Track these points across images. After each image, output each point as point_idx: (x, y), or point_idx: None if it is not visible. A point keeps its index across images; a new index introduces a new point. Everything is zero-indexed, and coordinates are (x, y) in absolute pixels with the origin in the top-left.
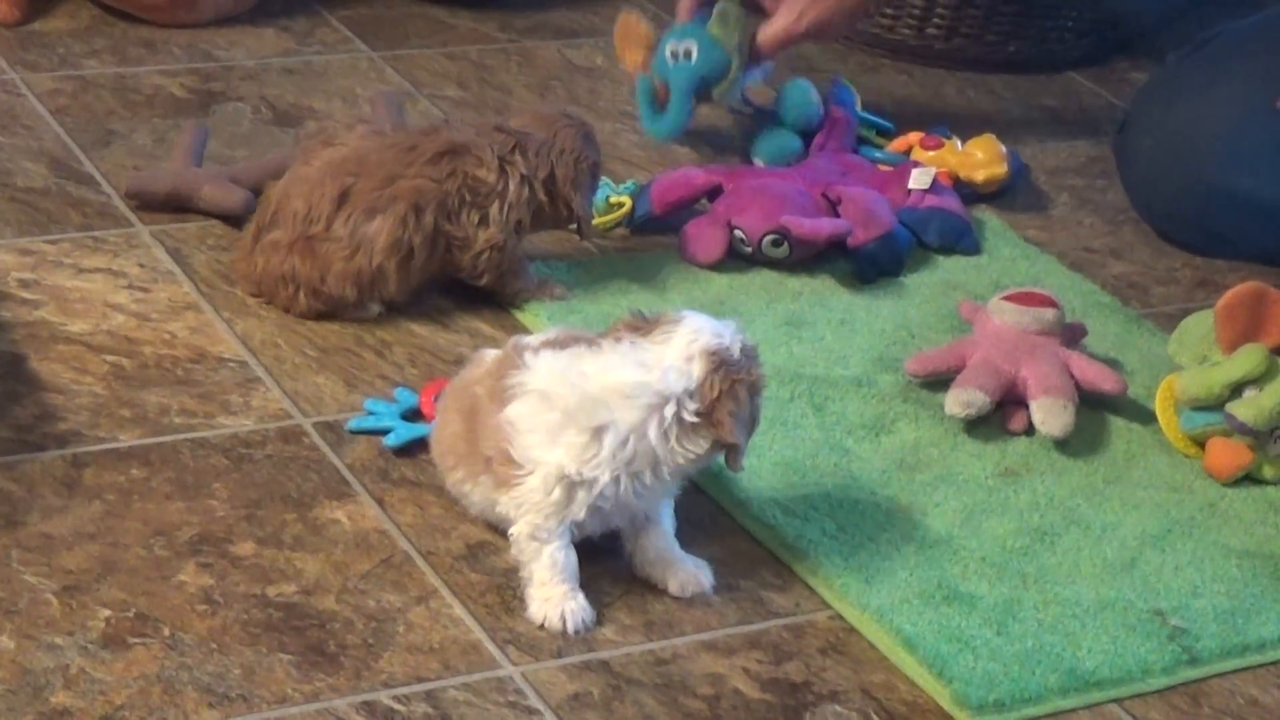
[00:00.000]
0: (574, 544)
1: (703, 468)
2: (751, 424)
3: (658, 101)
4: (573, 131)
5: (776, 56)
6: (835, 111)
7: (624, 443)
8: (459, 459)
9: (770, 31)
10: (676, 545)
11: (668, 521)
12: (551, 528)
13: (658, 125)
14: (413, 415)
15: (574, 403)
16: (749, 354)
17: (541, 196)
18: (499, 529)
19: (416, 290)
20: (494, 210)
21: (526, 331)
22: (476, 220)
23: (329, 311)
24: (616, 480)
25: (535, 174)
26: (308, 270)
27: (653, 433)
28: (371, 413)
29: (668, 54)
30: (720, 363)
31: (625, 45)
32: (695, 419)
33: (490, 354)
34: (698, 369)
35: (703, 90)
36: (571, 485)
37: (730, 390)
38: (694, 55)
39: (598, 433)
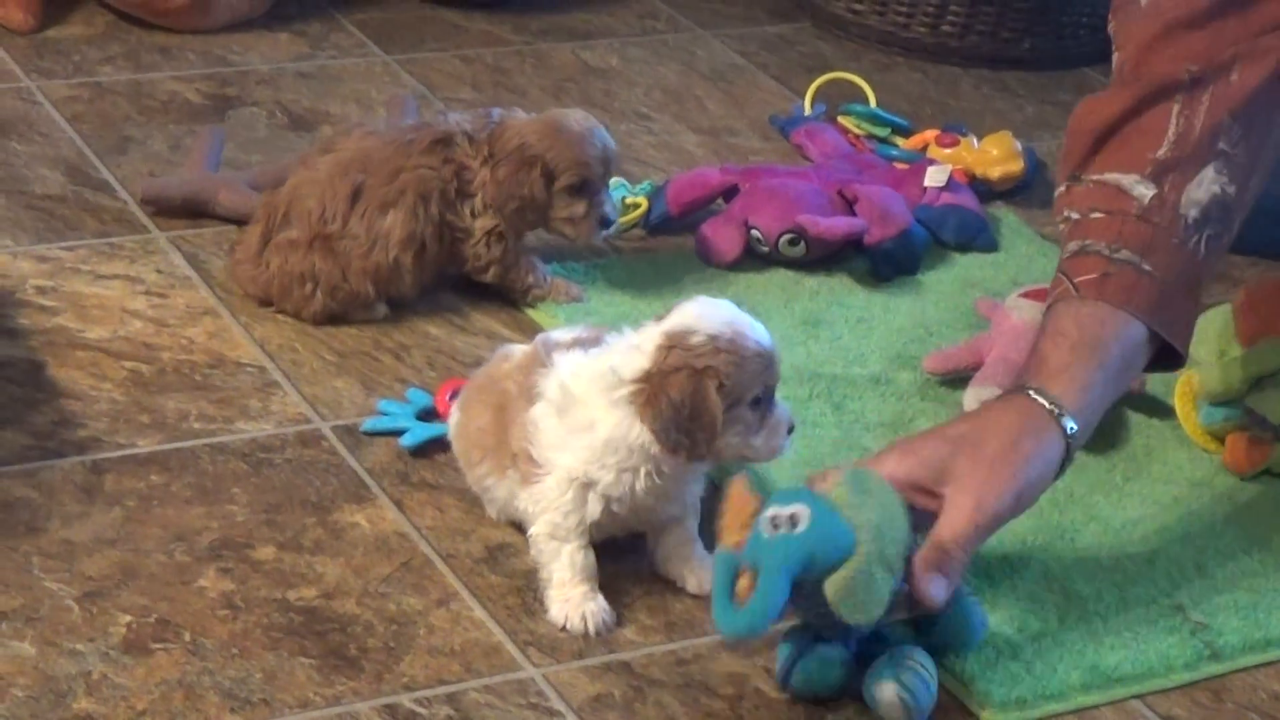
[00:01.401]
0: (594, 544)
1: (722, 461)
2: (696, 417)
3: (736, 590)
4: (541, 125)
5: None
6: (810, 128)
7: (610, 440)
8: (486, 452)
9: (953, 529)
10: (698, 544)
11: (692, 520)
12: (570, 526)
13: (732, 619)
14: (427, 415)
15: (564, 403)
16: (725, 345)
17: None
18: (519, 529)
19: (427, 286)
20: (478, 200)
21: (510, 343)
22: (471, 211)
23: (340, 313)
24: (621, 479)
25: (493, 157)
26: (329, 268)
27: (632, 426)
28: (385, 413)
29: (764, 522)
30: (672, 346)
31: (731, 521)
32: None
33: (517, 350)
34: (649, 349)
35: (809, 575)
36: (582, 486)
37: (673, 374)
38: (801, 524)
39: (589, 430)
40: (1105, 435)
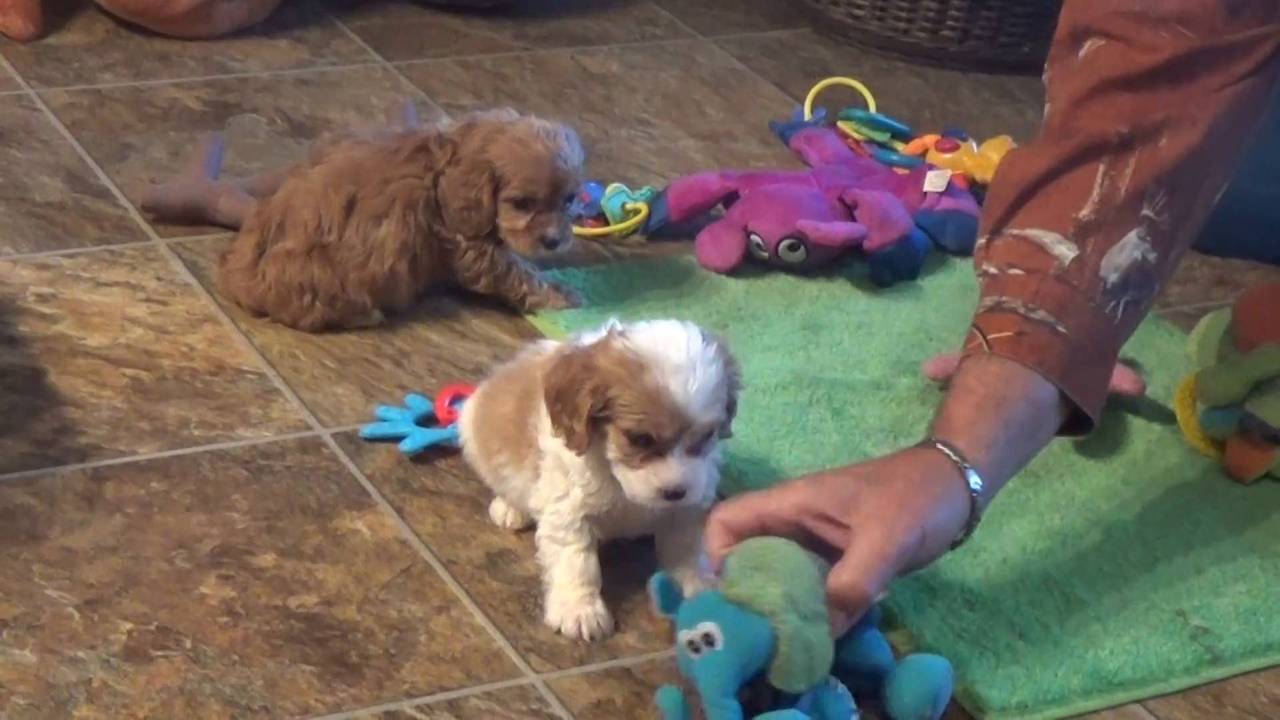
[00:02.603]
0: (600, 548)
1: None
2: (568, 400)
3: (692, 714)
4: (506, 134)
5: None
6: (810, 134)
7: None
8: (505, 441)
9: (861, 561)
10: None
11: (697, 527)
12: (565, 524)
13: None
14: (427, 421)
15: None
16: (627, 365)
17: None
18: (519, 535)
19: (423, 294)
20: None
21: (544, 339)
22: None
23: (337, 321)
24: (579, 460)
25: (455, 156)
26: (327, 278)
27: None
28: (385, 419)
29: (683, 646)
30: (609, 339)
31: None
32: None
33: (550, 344)
34: (599, 333)
35: (748, 679)
36: (563, 472)
37: (577, 356)
38: (717, 642)
39: None
40: (1106, 440)
